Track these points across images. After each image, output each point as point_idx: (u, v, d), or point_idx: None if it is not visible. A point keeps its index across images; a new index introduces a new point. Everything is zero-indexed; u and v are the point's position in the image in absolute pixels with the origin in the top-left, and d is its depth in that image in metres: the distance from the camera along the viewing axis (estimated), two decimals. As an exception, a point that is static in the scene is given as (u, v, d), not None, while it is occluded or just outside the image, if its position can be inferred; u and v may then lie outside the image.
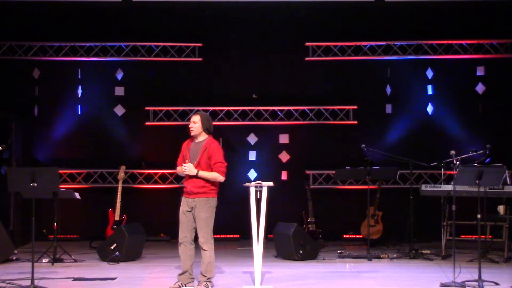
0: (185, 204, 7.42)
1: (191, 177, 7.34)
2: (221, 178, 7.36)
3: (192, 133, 7.44)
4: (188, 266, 7.41)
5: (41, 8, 11.89)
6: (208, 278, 7.35)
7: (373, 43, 12.27)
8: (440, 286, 7.50)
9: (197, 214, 7.34)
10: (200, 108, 12.25)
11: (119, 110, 12.40)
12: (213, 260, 7.37)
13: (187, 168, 7.28)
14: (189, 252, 7.41)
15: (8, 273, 8.37)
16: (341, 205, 12.20)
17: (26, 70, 12.27)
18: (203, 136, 7.46)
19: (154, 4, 11.91)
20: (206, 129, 7.46)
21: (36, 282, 7.38)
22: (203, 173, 7.30)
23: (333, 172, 11.21)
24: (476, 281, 7.42)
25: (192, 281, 7.44)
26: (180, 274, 7.46)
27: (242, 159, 12.34)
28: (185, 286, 7.40)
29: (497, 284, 7.54)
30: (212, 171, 7.33)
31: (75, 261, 9.43)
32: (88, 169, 12.22)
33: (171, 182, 12.26)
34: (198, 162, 7.32)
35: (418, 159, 10.34)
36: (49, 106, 12.34)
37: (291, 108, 12.32)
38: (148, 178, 12.29)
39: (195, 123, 7.42)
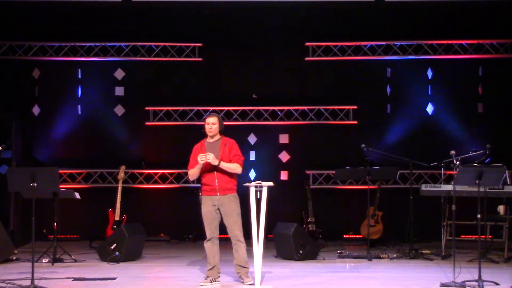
0: (209, 202, 7.55)
1: (214, 172, 7.47)
2: (239, 169, 7.60)
3: (211, 134, 7.62)
4: (217, 261, 7.61)
5: (41, 8, 11.90)
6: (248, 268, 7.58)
7: (373, 43, 12.27)
8: (440, 286, 7.49)
9: (227, 209, 7.52)
10: (200, 108, 12.29)
11: (119, 110, 12.40)
12: None
13: (211, 157, 7.37)
14: (216, 247, 7.62)
15: (8, 273, 8.37)
16: (341, 205, 12.20)
17: (26, 70, 12.29)
18: (218, 136, 7.66)
19: (154, 4, 11.91)
20: (221, 130, 7.70)
21: (36, 282, 7.38)
22: (224, 164, 7.48)
23: (333, 172, 11.21)
24: (476, 281, 7.42)
25: (219, 275, 7.66)
26: (210, 269, 7.60)
27: (242, 159, 12.32)
28: (215, 281, 7.56)
29: (497, 284, 7.53)
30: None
31: (75, 261, 9.43)
32: (88, 169, 12.22)
33: (171, 182, 12.27)
34: (221, 158, 7.51)
35: (418, 159, 10.33)
36: (49, 106, 12.35)
37: (291, 108, 12.32)
38: (148, 178, 12.30)
39: (214, 124, 7.60)
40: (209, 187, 7.56)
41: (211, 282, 7.53)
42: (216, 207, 7.56)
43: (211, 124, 7.60)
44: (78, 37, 12.27)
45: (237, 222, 7.56)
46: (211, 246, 7.58)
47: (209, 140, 7.65)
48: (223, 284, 7.77)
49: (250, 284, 7.48)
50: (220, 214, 7.60)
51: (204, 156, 7.42)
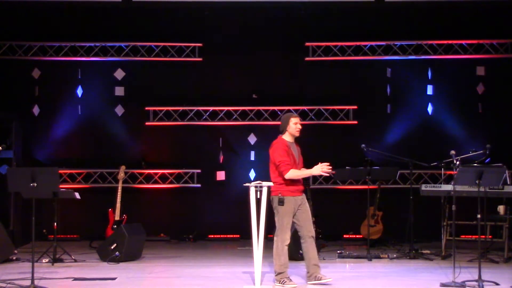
0: (292, 202, 7.54)
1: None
2: None
3: (299, 134, 7.73)
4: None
5: (41, 8, 11.90)
6: None
7: (373, 43, 12.27)
8: (440, 286, 7.50)
9: (306, 207, 7.62)
10: (200, 108, 12.29)
11: (119, 110, 12.40)
12: None
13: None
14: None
15: (8, 273, 8.37)
16: (341, 205, 12.19)
17: (26, 70, 12.28)
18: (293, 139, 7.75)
19: (154, 4, 11.92)
20: None
21: (36, 282, 7.38)
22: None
23: (333, 172, 11.19)
24: (476, 281, 7.42)
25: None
26: (282, 273, 7.61)
27: (242, 159, 12.35)
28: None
29: (497, 284, 7.54)
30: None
31: (75, 261, 9.43)
32: (88, 169, 12.22)
33: (171, 182, 12.27)
34: (301, 163, 7.74)
35: (418, 159, 10.34)
36: (49, 106, 12.34)
37: (291, 108, 12.30)
38: (148, 178, 12.30)
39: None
40: (294, 187, 7.56)
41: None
42: (296, 207, 7.57)
43: (299, 124, 7.69)
44: (78, 37, 12.26)
45: (311, 220, 7.69)
46: (310, 244, 7.61)
47: (288, 140, 7.69)
48: (223, 285, 7.78)
49: (328, 279, 7.53)
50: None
51: (327, 170, 7.52)
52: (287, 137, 7.69)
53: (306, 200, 7.70)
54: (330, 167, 7.55)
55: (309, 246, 7.59)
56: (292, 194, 7.54)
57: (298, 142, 7.86)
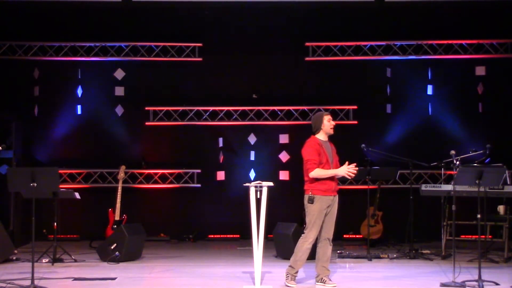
0: (324, 201, 7.46)
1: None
2: None
3: (333, 132, 7.62)
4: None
5: (41, 8, 11.89)
6: None
7: (373, 43, 12.28)
8: (440, 286, 7.50)
9: (334, 209, 7.58)
10: (200, 108, 12.29)
11: (119, 110, 12.40)
12: None
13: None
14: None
15: (8, 273, 8.37)
16: (341, 205, 12.10)
17: (26, 70, 12.28)
18: (327, 137, 7.65)
19: (154, 4, 11.91)
20: None
21: (36, 282, 7.37)
22: None
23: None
24: (476, 281, 7.42)
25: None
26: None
27: (242, 159, 12.35)
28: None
29: (497, 284, 7.53)
30: None
31: (75, 261, 9.43)
32: (88, 169, 12.23)
33: (171, 182, 12.27)
34: (336, 162, 7.61)
35: (418, 159, 10.33)
36: (49, 106, 12.35)
37: (291, 108, 12.32)
38: (148, 178, 12.30)
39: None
40: (326, 186, 7.47)
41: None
42: (327, 207, 7.50)
43: (332, 121, 7.62)
44: (78, 37, 12.27)
45: (334, 223, 7.60)
46: (324, 246, 7.55)
47: (322, 139, 7.57)
48: (223, 285, 7.77)
49: (334, 286, 7.46)
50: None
51: (352, 172, 7.43)
52: (320, 136, 7.59)
53: (336, 202, 7.59)
54: (356, 169, 7.46)
55: (322, 247, 7.54)
56: (323, 193, 7.45)
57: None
